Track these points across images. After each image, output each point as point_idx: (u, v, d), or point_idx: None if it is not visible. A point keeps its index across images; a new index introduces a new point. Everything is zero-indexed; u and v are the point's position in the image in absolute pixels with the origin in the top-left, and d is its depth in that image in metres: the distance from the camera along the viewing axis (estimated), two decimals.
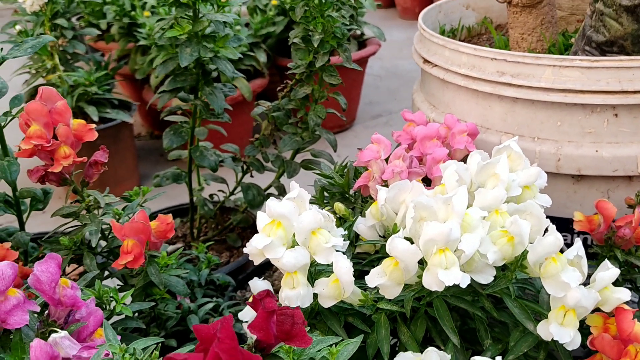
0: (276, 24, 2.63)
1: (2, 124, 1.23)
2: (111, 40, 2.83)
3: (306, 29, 1.39)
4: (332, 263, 0.94)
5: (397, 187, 0.97)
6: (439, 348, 0.86)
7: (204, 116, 1.44)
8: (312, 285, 0.90)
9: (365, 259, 1.05)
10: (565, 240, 1.11)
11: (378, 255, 1.04)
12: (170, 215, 1.10)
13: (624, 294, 0.83)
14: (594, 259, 1.07)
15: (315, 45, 1.36)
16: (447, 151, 1.09)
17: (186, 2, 1.32)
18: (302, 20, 1.37)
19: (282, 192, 1.58)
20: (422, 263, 0.84)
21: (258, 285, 0.98)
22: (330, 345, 0.75)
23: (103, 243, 1.24)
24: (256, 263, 0.95)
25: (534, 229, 0.84)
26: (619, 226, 1.04)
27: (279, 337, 0.68)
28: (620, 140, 1.15)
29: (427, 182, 1.11)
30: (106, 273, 1.20)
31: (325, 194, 1.22)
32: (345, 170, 1.22)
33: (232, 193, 1.65)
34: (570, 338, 0.81)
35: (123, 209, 1.15)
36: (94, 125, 1.10)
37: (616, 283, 0.88)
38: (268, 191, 1.61)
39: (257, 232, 1.71)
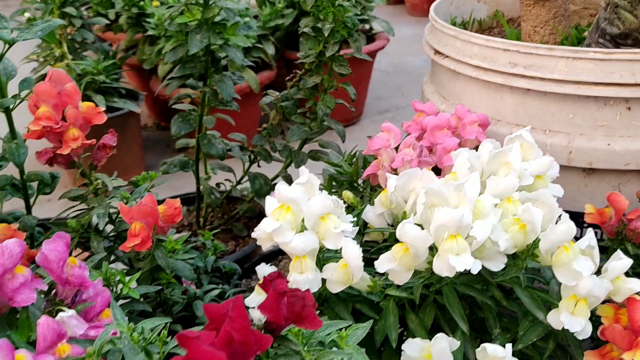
0: (285, 16, 2.62)
1: (11, 106, 1.23)
2: (119, 30, 2.82)
3: (317, 18, 1.38)
4: (340, 251, 0.94)
5: (407, 174, 0.96)
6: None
7: (213, 104, 1.44)
8: (321, 271, 0.90)
9: (373, 247, 1.05)
10: (574, 235, 1.10)
11: (386, 244, 1.03)
12: (178, 199, 1.09)
13: (636, 284, 0.82)
14: (604, 252, 1.06)
15: (326, 35, 1.36)
16: (458, 141, 1.09)
17: None
18: (313, 9, 1.36)
19: (289, 182, 1.57)
20: (432, 250, 0.84)
21: (265, 271, 0.98)
22: (340, 330, 0.75)
23: (109, 229, 1.23)
24: (264, 248, 0.94)
25: (546, 217, 0.84)
26: (630, 219, 1.03)
27: (289, 319, 0.68)
28: (633, 134, 1.14)
29: (437, 172, 1.11)
30: (112, 257, 1.20)
31: (333, 183, 1.22)
32: (354, 159, 1.21)
33: (239, 182, 1.65)
34: (581, 327, 0.80)
35: (130, 194, 1.14)
36: (102, 108, 1.09)
37: (626, 276, 0.88)
38: (275, 181, 1.60)
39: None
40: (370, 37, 2.87)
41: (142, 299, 1.12)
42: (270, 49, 2.51)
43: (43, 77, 2.45)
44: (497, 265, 0.82)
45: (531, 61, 1.16)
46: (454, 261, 0.76)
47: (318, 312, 0.92)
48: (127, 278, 0.98)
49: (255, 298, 0.96)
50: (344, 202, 1.08)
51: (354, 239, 0.92)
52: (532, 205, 0.83)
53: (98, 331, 0.76)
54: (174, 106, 1.53)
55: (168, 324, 0.75)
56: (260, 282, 0.70)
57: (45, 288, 0.82)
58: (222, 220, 1.68)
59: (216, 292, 1.22)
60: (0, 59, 1.23)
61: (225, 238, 1.67)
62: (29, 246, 1.30)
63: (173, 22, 1.33)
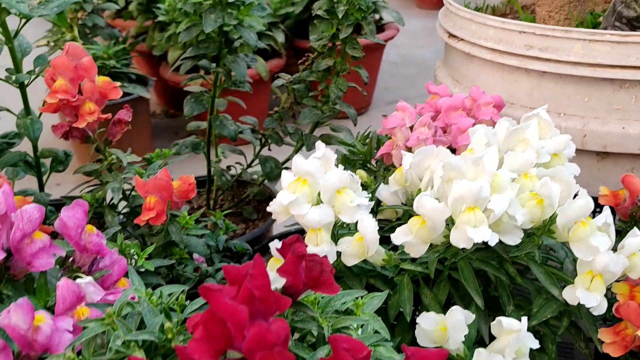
0: (295, 4, 2.62)
1: (26, 82, 1.24)
2: (129, 17, 2.83)
3: (331, 0, 1.38)
4: (353, 229, 0.94)
5: (423, 152, 0.96)
6: None
7: (226, 85, 1.44)
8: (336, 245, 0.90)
9: (386, 226, 1.05)
10: None
11: (399, 222, 1.03)
12: (193, 175, 1.09)
13: None
14: (617, 235, 1.06)
15: (340, 17, 1.35)
16: (473, 121, 1.08)
17: None
18: None
19: None
20: (448, 224, 0.84)
21: (278, 247, 0.98)
22: (356, 299, 0.75)
23: (122, 206, 1.24)
24: (279, 222, 0.95)
25: (563, 194, 0.83)
26: None
27: (307, 284, 0.68)
28: None
29: (451, 152, 1.10)
30: (125, 234, 1.20)
31: (346, 164, 1.22)
32: (368, 140, 1.21)
33: (249, 165, 1.65)
34: (596, 303, 0.80)
35: (144, 170, 1.15)
36: (118, 83, 1.10)
37: None
38: (286, 165, 1.60)
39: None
40: (380, 27, 2.86)
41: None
42: (280, 37, 2.51)
43: None
44: (513, 239, 0.82)
45: (547, 43, 1.15)
46: (472, 233, 0.76)
47: None
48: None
49: (269, 274, 0.96)
50: None
51: None
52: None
53: (116, 296, 0.77)
54: (185, 88, 1.53)
55: (185, 291, 0.75)
56: (279, 247, 0.70)
57: (64, 254, 0.82)
58: (232, 203, 1.69)
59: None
60: (16, 35, 1.23)
61: (235, 221, 1.67)
62: None
63: (187, 2, 1.33)
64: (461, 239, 0.78)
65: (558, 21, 1.39)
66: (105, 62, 2.31)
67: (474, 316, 0.80)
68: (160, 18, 2.43)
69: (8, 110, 1.25)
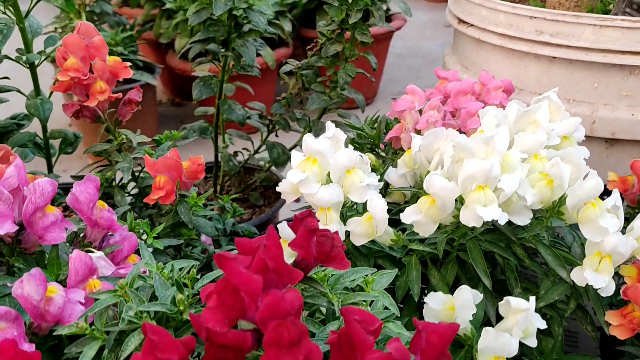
0: None
1: (36, 62, 1.24)
2: (136, 5, 2.83)
3: None
4: (361, 211, 0.94)
5: (433, 134, 0.96)
6: None
7: (235, 69, 1.44)
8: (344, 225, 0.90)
9: (394, 209, 1.05)
10: None
11: (407, 205, 1.03)
12: (202, 156, 1.10)
13: None
14: (625, 221, 1.06)
15: (350, 2, 1.35)
16: (482, 105, 1.08)
17: None
18: None
19: None
20: (457, 203, 0.84)
21: (286, 230, 0.99)
22: (365, 276, 0.75)
23: (130, 187, 1.24)
24: (288, 201, 0.95)
25: (573, 176, 0.83)
26: None
27: (318, 259, 0.68)
28: None
29: None
30: (134, 215, 1.21)
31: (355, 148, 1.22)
32: (376, 124, 1.21)
33: (256, 151, 1.65)
34: (605, 283, 0.80)
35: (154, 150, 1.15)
36: (129, 64, 1.10)
37: None
38: (293, 151, 1.61)
39: (279, 191, 1.71)
40: (387, 17, 2.86)
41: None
42: (287, 26, 2.50)
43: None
44: (522, 219, 0.82)
45: (558, 29, 1.15)
46: (482, 211, 0.77)
47: None
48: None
49: None
50: None
51: None
52: None
53: (127, 271, 0.77)
54: (193, 74, 1.53)
55: (196, 266, 0.76)
56: (290, 222, 0.71)
57: (75, 228, 0.83)
58: (239, 189, 1.69)
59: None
60: (27, 15, 1.24)
61: (242, 207, 1.67)
62: None
63: None
64: (471, 217, 0.78)
65: (568, 8, 1.39)
66: (113, 49, 2.31)
67: (482, 296, 0.80)
68: (168, 6, 2.43)
69: (18, 90, 1.25)
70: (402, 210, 1.01)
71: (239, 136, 1.62)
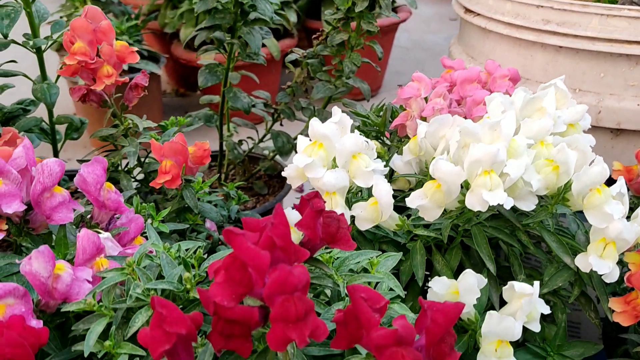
0: None
1: (43, 47, 1.25)
2: None
3: None
4: (366, 197, 0.94)
5: (439, 121, 0.96)
6: None
7: (240, 57, 1.44)
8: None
9: (399, 196, 1.05)
10: None
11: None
12: (207, 142, 1.10)
13: None
14: (630, 211, 1.06)
15: None
16: (488, 93, 1.08)
17: None
18: None
19: None
20: (462, 188, 0.84)
21: (293, 215, 0.99)
22: (370, 258, 0.76)
23: (136, 173, 1.25)
24: (294, 186, 0.95)
25: (578, 162, 0.84)
26: None
27: (324, 239, 0.69)
28: None
29: None
30: (140, 201, 1.21)
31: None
32: (382, 112, 1.21)
33: (261, 140, 1.66)
34: (609, 269, 0.80)
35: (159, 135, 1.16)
36: (136, 48, 1.10)
37: None
38: (299, 136, 1.61)
39: (283, 180, 1.71)
40: (393, 9, 2.85)
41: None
42: (293, 17, 2.50)
43: None
44: (528, 205, 0.82)
45: (565, 18, 1.15)
46: (487, 196, 0.77)
47: None
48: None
49: None
50: None
51: None
52: None
53: (134, 251, 0.78)
54: (199, 62, 1.53)
55: (203, 246, 0.76)
56: (297, 204, 0.71)
57: (83, 210, 0.84)
58: (243, 177, 1.70)
59: None
60: (34, 0, 1.24)
61: (246, 195, 1.68)
62: None
63: None
64: (477, 202, 0.78)
65: None
66: (118, 38, 2.31)
67: (486, 280, 0.80)
68: None
69: (25, 75, 1.25)
70: (407, 197, 1.02)
71: (244, 124, 1.62)
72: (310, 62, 1.51)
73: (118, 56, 1.08)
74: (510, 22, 1.21)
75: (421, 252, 0.89)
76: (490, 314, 0.77)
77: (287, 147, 1.58)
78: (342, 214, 0.69)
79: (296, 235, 0.71)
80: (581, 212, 0.86)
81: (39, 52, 1.25)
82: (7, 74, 1.24)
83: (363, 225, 0.88)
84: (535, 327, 0.80)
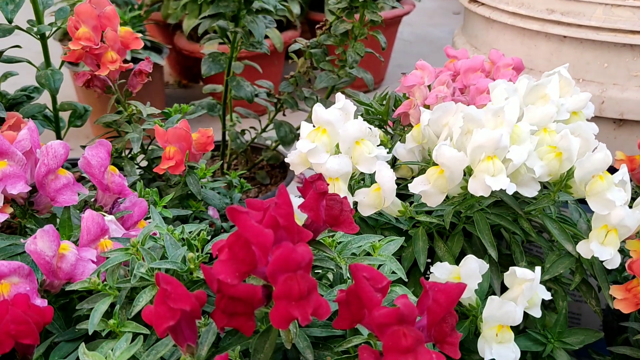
0: None
1: (47, 34, 1.25)
2: None
3: None
4: (369, 183, 0.95)
5: (442, 108, 0.96)
6: None
7: (244, 46, 1.44)
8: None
9: (401, 184, 1.06)
10: None
11: None
12: (211, 129, 1.10)
13: None
14: (632, 201, 1.06)
15: None
16: (492, 82, 1.08)
17: None
18: None
19: None
20: (466, 175, 0.84)
21: (296, 201, 0.99)
22: (372, 242, 0.76)
23: (140, 159, 1.25)
24: (297, 173, 0.96)
25: (582, 150, 0.84)
26: None
27: (327, 222, 0.69)
28: None
29: None
30: None
31: None
32: (385, 100, 1.21)
33: (264, 130, 1.66)
34: (610, 256, 0.81)
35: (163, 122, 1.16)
36: (140, 35, 1.10)
37: None
38: (303, 122, 1.61)
39: (285, 170, 1.71)
40: (397, 1, 2.84)
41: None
42: (296, 8, 2.50)
43: None
44: (530, 191, 0.83)
45: (569, 7, 1.15)
46: (490, 181, 0.77)
47: None
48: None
49: None
50: None
51: None
52: None
53: (138, 233, 0.78)
54: (202, 50, 1.53)
55: (206, 229, 0.76)
56: (301, 186, 0.71)
57: (87, 193, 0.84)
58: (246, 167, 1.70)
59: None
60: None
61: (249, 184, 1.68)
62: None
63: None
64: (479, 187, 0.79)
65: None
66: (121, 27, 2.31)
67: (487, 266, 0.80)
68: None
69: (29, 62, 1.26)
70: (409, 184, 1.02)
71: (247, 114, 1.62)
72: (313, 52, 1.51)
73: (122, 42, 1.08)
74: (514, 11, 1.21)
75: (423, 238, 0.89)
76: (492, 298, 0.77)
77: (290, 137, 1.59)
78: (345, 197, 0.70)
79: (299, 222, 0.71)
80: (583, 201, 0.86)
81: (43, 39, 1.25)
82: (11, 60, 1.24)
83: (365, 211, 0.88)
84: (536, 313, 0.80)
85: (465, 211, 0.88)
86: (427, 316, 0.59)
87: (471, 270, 0.80)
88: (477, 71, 1.12)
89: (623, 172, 0.85)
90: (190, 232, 0.75)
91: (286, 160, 0.95)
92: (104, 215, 0.81)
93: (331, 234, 0.76)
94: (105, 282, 0.68)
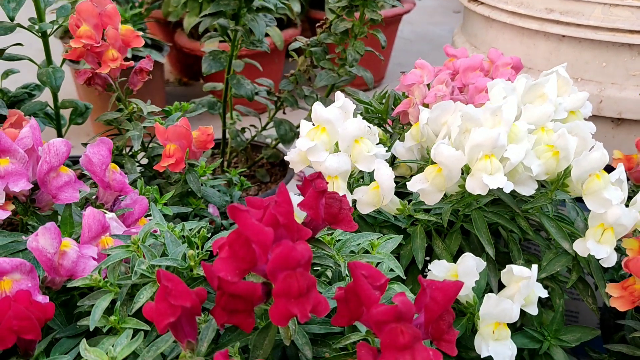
0: None
1: (49, 31, 1.25)
2: None
3: None
4: (368, 181, 0.95)
5: (441, 107, 0.97)
6: None
7: (244, 44, 1.45)
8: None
9: (400, 182, 1.06)
10: None
11: None
12: (211, 127, 1.11)
13: None
14: (629, 200, 1.07)
15: None
16: (491, 81, 1.09)
17: None
18: None
19: None
20: (464, 174, 0.85)
21: (296, 200, 1.00)
22: (371, 240, 0.77)
23: (140, 157, 1.26)
24: (296, 171, 0.96)
25: (579, 149, 0.84)
26: None
27: (326, 220, 0.70)
28: None
29: None
30: None
31: None
32: (384, 99, 1.22)
33: (264, 128, 1.67)
34: (607, 254, 0.81)
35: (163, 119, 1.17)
36: (141, 33, 1.11)
37: None
38: (302, 120, 1.62)
39: (285, 168, 1.72)
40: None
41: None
42: (296, 6, 2.50)
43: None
44: (527, 190, 0.83)
45: (568, 7, 1.15)
46: (488, 179, 0.78)
47: None
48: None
49: None
50: None
51: None
52: None
53: (138, 230, 0.79)
54: (203, 49, 1.54)
55: (207, 226, 0.77)
56: (300, 184, 0.72)
57: (88, 190, 0.85)
58: (246, 165, 1.71)
59: None
60: None
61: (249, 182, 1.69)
62: None
63: None
64: (477, 185, 0.79)
65: None
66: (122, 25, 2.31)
67: (485, 264, 0.81)
68: None
69: (30, 59, 1.26)
70: (408, 182, 1.02)
71: (247, 112, 1.63)
72: (313, 50, 1.51)
73: (123, 40, 1.09)
74: (513, 10, 1.22)
75: (421, 236, 0.90)
76: (489, 296, 0.78)
77: (290, 135, 1.59)
78: (344, 196, 0.70)
79: (298, 220, 0.72)
80: (581, 199, 0.87)
81: (44, 37, 1.25)
82: (12, 58, 1.25)
83: (364, 209, 0.89)
84: (533, 311, 0.81)
85: (463, 209, 0.89)
86: (425, 314, 0.60)
87: (468, 268, 0.80)
88: (476, 70, 1.12)
89: (620, 171, 0.86)
90: (190, 230, 0.76)
91: (286, 158, 0.95)
92: (105, 213, 0.81)
93: (330, 231, 0.77)
94: (106, 279, 0.68)
